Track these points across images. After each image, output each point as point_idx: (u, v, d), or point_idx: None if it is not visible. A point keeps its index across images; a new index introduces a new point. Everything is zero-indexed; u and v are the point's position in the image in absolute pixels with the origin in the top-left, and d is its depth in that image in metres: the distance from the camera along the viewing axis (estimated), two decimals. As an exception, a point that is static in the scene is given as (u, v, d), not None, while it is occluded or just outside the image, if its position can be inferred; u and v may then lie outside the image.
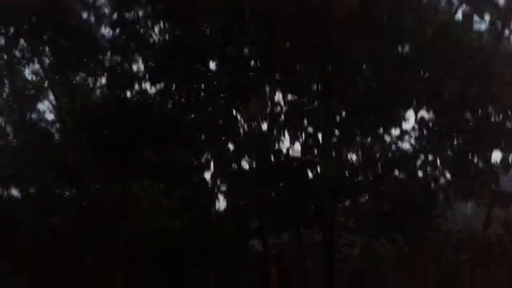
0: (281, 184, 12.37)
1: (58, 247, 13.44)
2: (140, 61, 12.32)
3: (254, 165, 13.47)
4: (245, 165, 13.80)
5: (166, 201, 12.86)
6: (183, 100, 12.09)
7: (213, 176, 13.51)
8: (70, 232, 13.09)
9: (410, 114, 11.15)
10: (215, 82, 11.84)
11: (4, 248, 13.22)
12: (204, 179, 13.75)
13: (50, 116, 13.65)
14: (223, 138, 13.02)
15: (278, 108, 12.20)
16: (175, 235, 13.13)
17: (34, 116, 13.41)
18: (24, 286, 13.64)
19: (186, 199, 13.76)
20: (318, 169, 11.87)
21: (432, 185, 11.31)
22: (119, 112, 12.07)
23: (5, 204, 13.55)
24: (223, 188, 13.86)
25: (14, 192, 13.69)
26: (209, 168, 13.67)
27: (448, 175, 11.42)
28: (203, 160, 13.56)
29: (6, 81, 13.07)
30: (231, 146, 13.20)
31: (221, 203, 14.12)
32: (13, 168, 13.02)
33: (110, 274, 12.33)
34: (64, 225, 13.54)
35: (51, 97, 13.30)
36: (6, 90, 13.08)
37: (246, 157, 13.54)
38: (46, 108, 13.63)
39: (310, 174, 12.04)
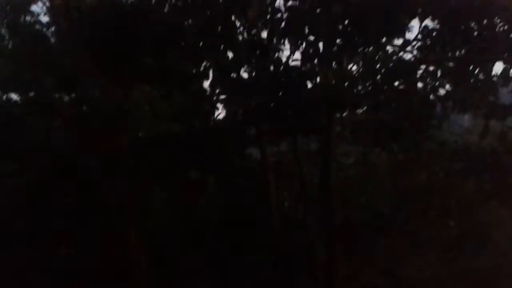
0: (280, 93, 11.77)
1: (61, 150, 12.49)
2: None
3: (253, 74, 12.73)
4: (244, 74, 12.97)
5: (166, 107, 12.22)
6: (180, 4, 11.05)
7: (212, 84, 12.81)
8: (72, 136, 12.40)
9: (415, 22, 10.24)
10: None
11: (8, 148, 12.50)
12: (203, 87, 13.08)
13: (45, 19, 12.55)
14: (222, 45, 12.10)
15: (279, 15, 11.23)
16: (175, 141, 12.56)
17: (28, 18, 12.26)
18: (30, 187, 13.10)
19: (185, 105, 13.16)
20: (318, 79, 11.13)
21: (431, 96, 10.67)
22: (115, 16, 11.12)
23: (6, 107, 12.61)
24: (222, 96, 13.15)
25: (14, 96, 12.72)
26: (208, 76, 12.96)
27: (447, 86, 10.76)
28: (202, 68, 12.78)
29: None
30: (230, 54, 12.23)
31: (220, 111, 13.43)
32: (11, 72, 12.20)
33: (113, 179, 11.73)
34: (66, 128, 12.77)
35: (45, -2, 12.14)
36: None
37: (245, 65, 12.70)
38: (40, 10, 12.57)
39: (309, 84, 11.34)
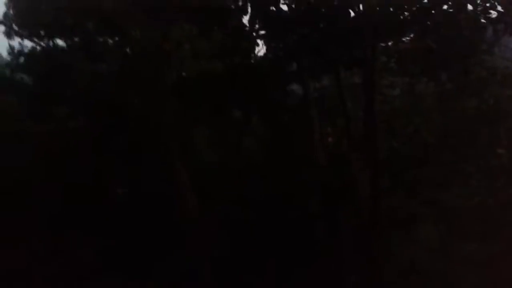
0: (321, 25, 10.86)
1: (108, 93, 12.33)
2: None
3: (293, 6, 11.84)
4: (283, 7, 12.10)
5: (206, 45, 11.51)
6: None
7: (251, 20, 12.01)
8: (117, 78, 11.97)
9: None
10: None
11: (59, 94, 12.38)
12: (242, 23, 12.27)
13: None
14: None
15: None
16: (217, 79, 11.94)
17: None
18: (82, 130, 12.78)
19: (225, 43, 12.42)
20: (361, 7, 10.16)
21: (482, 18, 9.56)
22: None
23: (53, 53, 12.21)
24: (261, 31, 12.36)
25: (59, 42, 12.27)
26: (246, 11, 12.12)
27: (499, 8, 9.61)
28: (240, 2, 11.94)
29: None
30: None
31: (260, 48, 12.67)
32: (54, 16, 11.64)
33: (159, 119, 11.31)
34: (111, 71, 12.34)
35: None
36: None
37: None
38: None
39: (352, 13, 10.40)
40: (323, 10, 10.55)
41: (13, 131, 12.61)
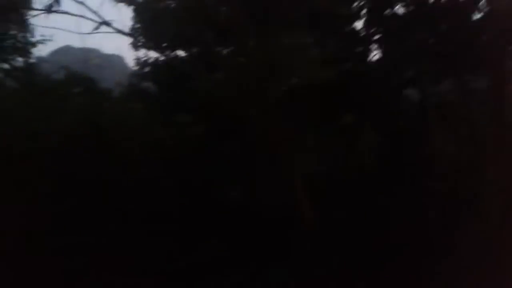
0: (441, 26, 9.43)
1: (225, 100, 11.95)
2: None
3: (411, 9, 10.52)
4: (400, 9, 10.84)
5: (318, 52, 10.66)
6: None
7: (366, 24, 10.88)
8: (234, 85, 11.59)
9: None
10: None
11: (181, 102, 12.74)
12: (355, 28, 11.22)
13: None
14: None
15: None
16: (329, 86, 11.01)
17: None
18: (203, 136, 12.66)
19: (338, 49, 11.44)
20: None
21: None
22: None
23: (175, 64, 12.22)
24: (377, 36, 11.17)
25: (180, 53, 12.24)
26: (360, 16, 11.04)
27: None
28: (354, 8, 10.89)
29: None
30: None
31: (375, 53, 11.50)
32: (176, 30, 11.59)
33: (271, 126, 10.68)
34: (228, 79, 12.03)
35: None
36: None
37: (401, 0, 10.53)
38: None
39: (477, 14, 8.85)
40: (445, 12, 9.01)
41: (140, 136, 12.54)
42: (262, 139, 11.77)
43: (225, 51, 12.56)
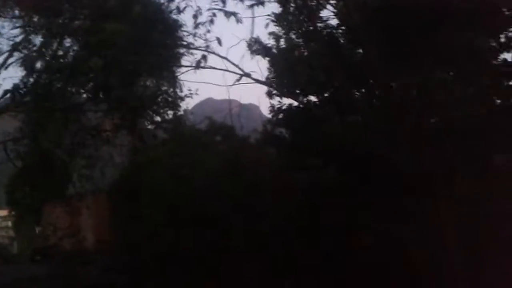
0: None
1: (359, 143, 10.92)
2: None
3: None
4: None
5: (461, 90, 8.45)
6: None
7: None
8: (369, 129, 9.83)
9: None
10: None
11: (312, 145, 11.52)
12: (505, 60, 8.73)
13: (333, 22, 10.32)
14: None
15: None
16: (475, 124, 8.61)
17: (319, 23, 10.04)
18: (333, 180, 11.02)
19: (483, 85, 9.04)
20: None
21: None
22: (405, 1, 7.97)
23: (306, 108, 10.90)
24: None
25: (312, 98, 10.90)
26: (509, 48, 8.56)
27: None
28: (503, 38, 8.52)
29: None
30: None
31: None
32: (308, 76, 10.27)
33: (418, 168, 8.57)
34: (363, 122, 10.33)
35: None
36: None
37: None
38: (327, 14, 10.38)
39: None
40: None
41: (274, 180, 11.25)
42: (402, 180, 9.53)
43: (358, 93, 10.71)
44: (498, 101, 10.33)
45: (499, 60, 9.65)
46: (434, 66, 8.82)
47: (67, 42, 11.51)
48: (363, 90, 11.12)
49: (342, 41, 11.13)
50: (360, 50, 10.61)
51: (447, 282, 8.81)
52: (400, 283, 9.66)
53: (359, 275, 10.05)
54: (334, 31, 10.95)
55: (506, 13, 9.02)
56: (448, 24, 8.48)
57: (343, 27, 10.86)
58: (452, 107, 9.20)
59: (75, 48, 11.56)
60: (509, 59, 9.55)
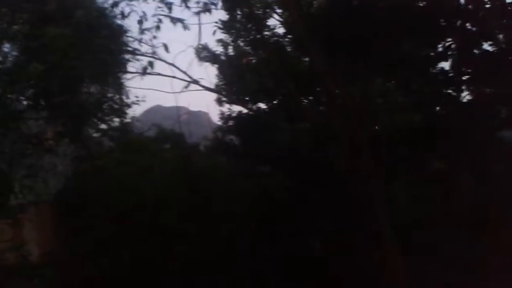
0: None
1: (306, 149, 11.60)
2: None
3: (503, 47, 8.40)
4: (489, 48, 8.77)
5: (401, 97, 8.82)
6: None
7: (454, 65, 8.89)
8: (314, 135, 10.05)
9: None
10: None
11: (261, 152, 11.74)
12: (443, 70, 9.22)
13: (280, 30, 10.47)
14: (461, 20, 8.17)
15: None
16: (415, 131, 9.04)
17: (266, 33, 10.15)
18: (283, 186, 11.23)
19: (423, 93, 9.50)
20: None
21: None
22: (346, 11, 8.18)
23: (256, 116, 10.99)
24: (466, 76, 9.12)
25: (261, 104, 11.01)
26: (447, 57, 9.08)
27: None
28: (440, 49, 8.98)
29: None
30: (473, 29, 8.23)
31: (465, 94, 9.45)
32: (258, 83, 10.34)
33: (357, 175, 8.86)
34: (311, 129, 10.59)
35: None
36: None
37: (491, 38, 8.50)
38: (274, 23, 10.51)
39: None
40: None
41: (225, 187, 11.25)
42: (348, 188, 9.82)
43: (306, 101, 10.92)
44: (437, 108, 10.82)
45: (437, 69, 10.11)
46: (374, 74, 9.10)
47: (6, 47, 10.98)
48: (311, 97, 11.31)
49: (289, 50, 11.28)
50: (307, 58, 10.79)
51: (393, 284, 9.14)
52: (345, 285, 9.92)
53: (309, 280, 10.22)
54: (281, 39, 11.07)
55: (443, 24, 9.47)
56: (388, 33, 8.79)
57: (289, 36, 11.00)
58: (392, 114, 9.54)
59: (14, 53, 11.04)
60: (446, 68, 10.05)
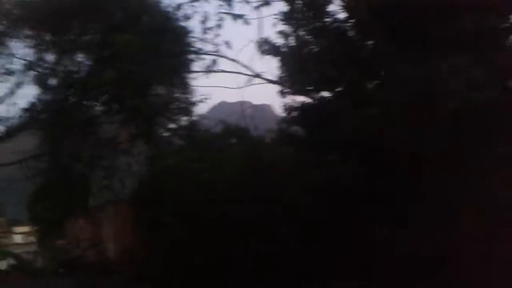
0: None
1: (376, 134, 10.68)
2: None
3: None
4: None
5: (480, 73, 8.34)
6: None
7: None
8: (382, 121, 9.76)
9: None
10: None
11: (328, 140, 11.46)
12: None
13: (342, 16, 10.29)
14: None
15: None
16: (493, 110, 8.51)
17: (327, 19, 10.02)
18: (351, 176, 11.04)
19: (498, 67, 8.91)
20: None
21: None
22: None
23: (320, 105, 10.84)
24: None
25: (324, 93, 10.89)
26: None
27: None
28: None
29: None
30: None
31: None
32: (319, 72, 10.27)
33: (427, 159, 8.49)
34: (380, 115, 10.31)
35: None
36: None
37: None
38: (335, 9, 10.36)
39: None
40: None
41: (293, 178, 11.24)
42: (419, 174, 9.42)
43: (371, 86, 10.63)
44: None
45: (510, 40, 9.47)
46: (445, 51, 8.70)
47: (79, 57, 11.68)
48: (376, 82, 11.02)
49: (351, 35, 11.04)
50: (370, 42, 10.51)
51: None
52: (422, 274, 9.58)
53: (384, 266, 9.97)
54: (342, 25, 10.87)
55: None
56: (456, 7, 8.36)
57: (351, 20, 10.78)
58: (469, 92, 9.06)
59: (87, 62, 11.73)
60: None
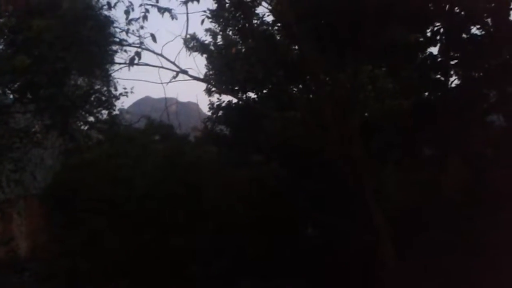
0: None
1: (297, 138, 11.29)
2: None
3: (491, 30, 8.49)
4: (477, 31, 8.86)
5: (391, 83, 8.85)
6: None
7: (442, 50, 8.96)
8: (305, 124, 10.07)
9: None
10: None
11: (254, 140, 11.95)
12: (432, 54, 9.31)
13: (269, 18, 10.41)
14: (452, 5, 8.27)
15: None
16: (405, 116, 9.09)
17: (255, 21, 10.08)
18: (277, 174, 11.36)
19: (412, 78, 9.57)
20: None
21: None
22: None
23: (245, 105, 10.95)
24: (454, 61, 9.21)
25: (251, 94, 11.03)
26: (435, 42, 9.15)
27: None
28: (428, 33, 9.05)
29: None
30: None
31: (453, 78, 9.52)
32: (246, 73, 10.30)
33: (348, 162, 8.89)
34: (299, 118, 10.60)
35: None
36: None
37: (479, 22, 8.58)
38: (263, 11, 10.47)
39: None
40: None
41: (215, 177, 11.24)
42: (340, 174, 9.86)
43: (296, 89, 10.92)
44: (426, 93, 10.88)
45: (426, 54, 10.15)
46: (363, 60, 9.11)
47: (-10, 41, 10.79)
48: (300, 85, 11.31)
49: (278, 38, 11.24)
50: (296, 46, 10.76)
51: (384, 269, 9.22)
52: (340, 270, 9.99)
53: (306, 266, 10.27)
54: (270, 27, 11.03)
55: (431, 8, 9.50)
56: (376, 19, 8.80)
57: (278, 24, 10.96)
58: (382, 101, 9.57)
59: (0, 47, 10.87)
60: (434, 53, 10.09)
